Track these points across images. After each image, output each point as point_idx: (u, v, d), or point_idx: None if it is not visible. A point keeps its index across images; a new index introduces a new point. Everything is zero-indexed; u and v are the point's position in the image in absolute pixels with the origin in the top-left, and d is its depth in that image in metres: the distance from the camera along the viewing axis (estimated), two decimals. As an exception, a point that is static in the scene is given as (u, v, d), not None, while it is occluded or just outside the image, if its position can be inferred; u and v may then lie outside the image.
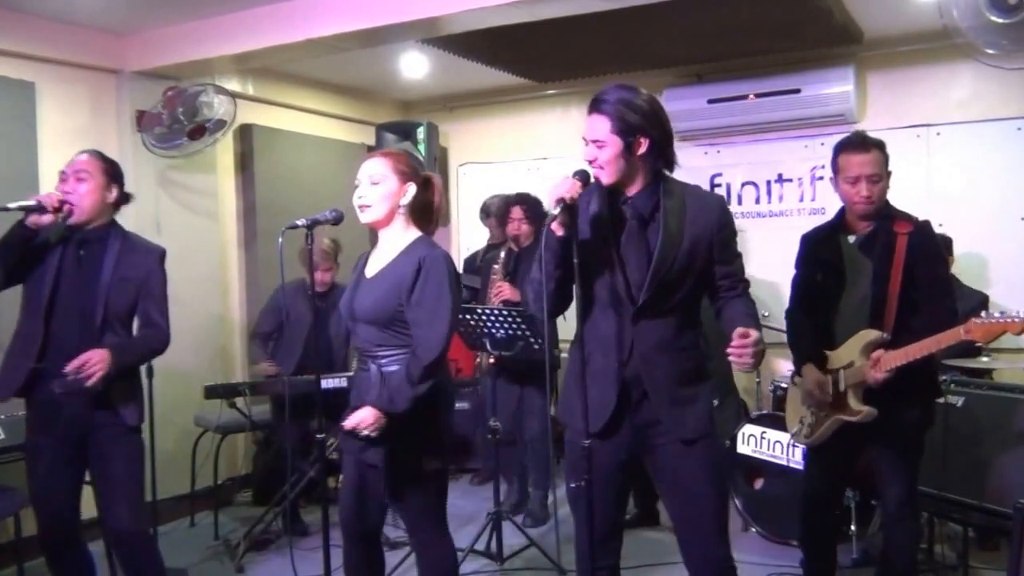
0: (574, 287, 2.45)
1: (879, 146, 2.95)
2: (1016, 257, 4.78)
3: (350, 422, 2.52)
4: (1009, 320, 2.63)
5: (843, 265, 2.98)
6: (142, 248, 3.09)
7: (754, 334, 2.20)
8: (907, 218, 2.96)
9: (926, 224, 2.97)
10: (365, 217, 2.62)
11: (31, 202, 2.87)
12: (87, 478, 3.08)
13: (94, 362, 2.78)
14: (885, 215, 2.96)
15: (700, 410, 2.36)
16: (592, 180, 2.32)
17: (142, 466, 3.06)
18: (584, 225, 2.36)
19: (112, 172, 3.05)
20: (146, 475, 3.11)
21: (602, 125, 2.28)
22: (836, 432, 2.96)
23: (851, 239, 3.00)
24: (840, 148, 2.98)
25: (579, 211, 2.35)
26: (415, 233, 2.67)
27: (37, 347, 2.90)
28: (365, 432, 2.49)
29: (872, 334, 2.86)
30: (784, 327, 3.19)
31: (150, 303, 3.03)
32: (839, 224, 3.06)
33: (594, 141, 2.30)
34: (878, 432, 2.91)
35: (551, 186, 2.27)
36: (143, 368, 3.22)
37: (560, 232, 2.25)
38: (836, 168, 2.98)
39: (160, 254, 3.11)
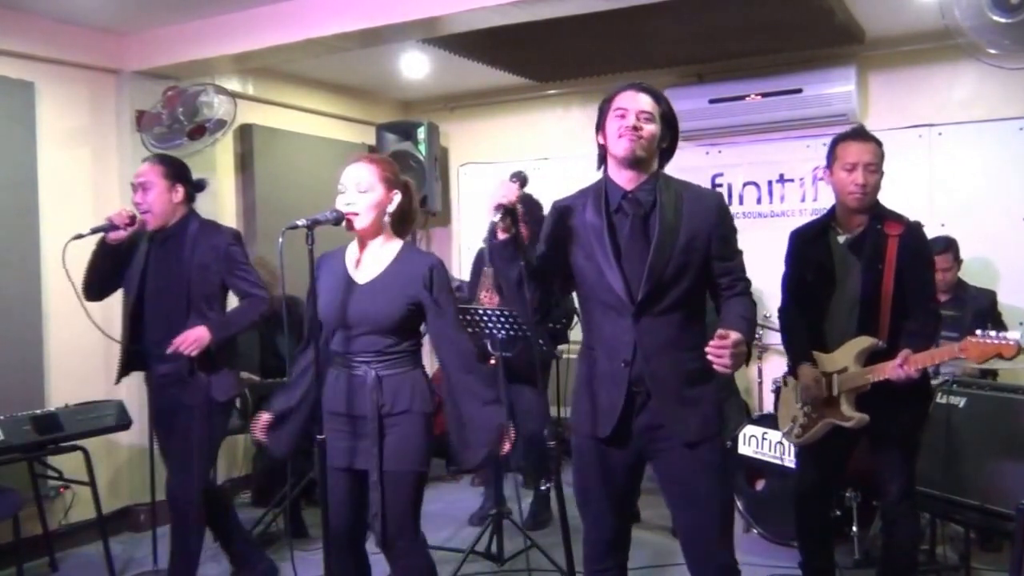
0: (575, 293, 2.46)
1: (878, 141, 2.97)
2: (1019, 257, 4.77)
3: None
4: (1003, 343, 2.64)
5: (832, 265, 2.98)
6: (215, 232, 3.39)
7: (734, 335, 2.17)
8: (898, 219, 2.96)
9: (917, 225, 2.98)
10: (356, 224, 2.62)
11: (103, 223, 3.25)
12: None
13: (190, 340, 3.19)
14: (875, 215, 2.96)
15: (705, 412, 2.33)
16: (528, 181, 2.35)
17: (216, 442, 3.43)
18: (582, 229, 2.36)
19: (173, 173, 3.35)
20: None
21: (654, 104, 2.32)
22: (827, 433, 3.00)
23: (841, 239, 3.00)
24: (839, 138, 3.00)
25: (576, 212, 2.37)
26: (397, 240, 2.70)
27: (129, 336, 3.37)
28: None
29: (867, 341, 2.88)
30: (779, 326, 3.20)
31: (237, 279, 3.36)
32: (829, 222, 3.05)
33: (643, 112, 2.30)
34: (877, 433, 2.93)
35: (490, 192, 2.29)
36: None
37: (503, 236, 2.28)
38: (832, 158, 2.99)
39: (232, 234, 3.42)
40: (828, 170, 3.01)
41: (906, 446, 2.97)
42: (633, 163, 2.31)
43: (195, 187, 3.46)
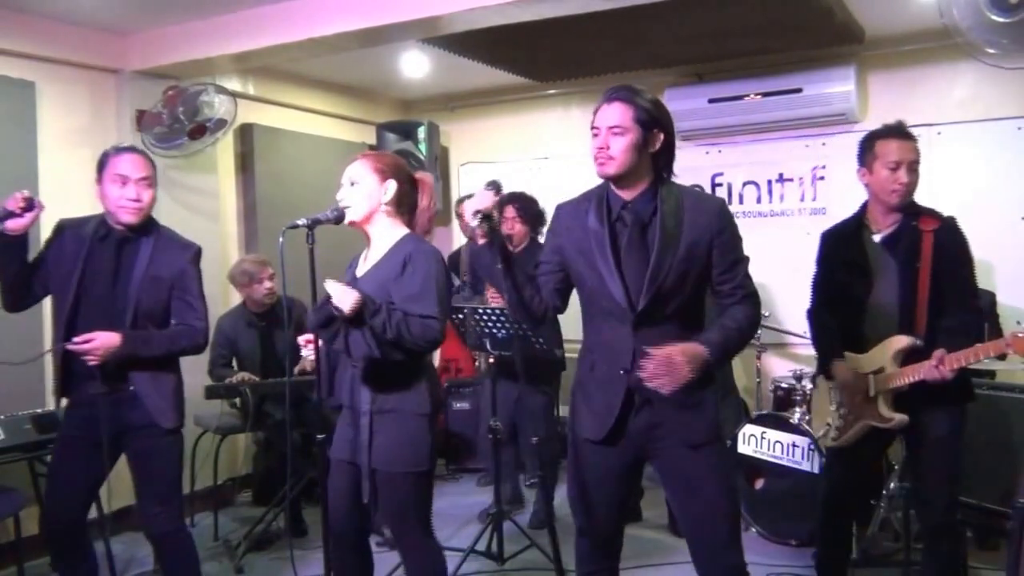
0: (576, 297, 2.46)
1: (916, 139, 2.91)
2: (1018, 257, 4.76)
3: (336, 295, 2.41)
4: None
5: (868, 264, 2.90)
6: (176, 245, 3.04)
7: (660, 351, 2.17)
8: (933, 214, 2.89)
9: (952, 220, 2.89)
10: (348, 216, 2.64)
11: None
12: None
13: (96, 344, 2.77)
14: (910, 211, 2.88)
15: (705, 416, 2.34)
16: (503, 190, 2.45)
17: (177, 468, 3.05)
18: (583, 234, 2.36)
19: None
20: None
21: (625, 112, 2.28)
22: (863, 435, 2.93)
23: (875, 237, 2.92)
24: (877, 135, 2.91)
25: (578, 219, 2.40)
26: (402, 230, 2.68)
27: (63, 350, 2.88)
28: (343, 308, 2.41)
29: (903, 340, 2.79)
30: (808, 327, 3.15)
31: (181, 302, 2.99)
32: (861, 221, 2.97)
33: (612, 127, 2.28)
34: (915, 437, 2.85)
35: (471, 201, 2.39)
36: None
37: (483, 241, 2.38)
38: (870, 156, 2.88)
39: (194, 251, 3.07)
40: (864, 168, 2.91)
41: (946, 451, 2.83)
42: (613, 181, 2.32)
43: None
